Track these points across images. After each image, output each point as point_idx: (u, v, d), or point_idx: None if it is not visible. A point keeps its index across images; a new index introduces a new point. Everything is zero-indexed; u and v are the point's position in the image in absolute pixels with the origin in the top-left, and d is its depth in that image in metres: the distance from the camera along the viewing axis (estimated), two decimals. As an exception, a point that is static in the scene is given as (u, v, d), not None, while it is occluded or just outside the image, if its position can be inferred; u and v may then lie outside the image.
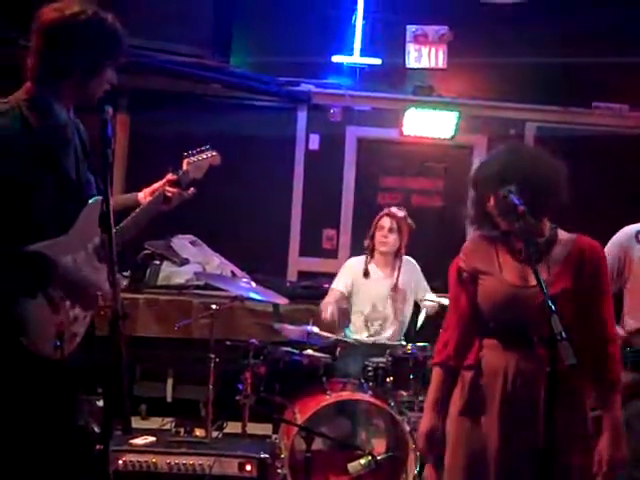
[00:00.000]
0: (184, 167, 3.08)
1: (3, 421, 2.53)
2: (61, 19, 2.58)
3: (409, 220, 5.23)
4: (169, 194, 2.96)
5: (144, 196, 2.98)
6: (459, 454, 2.71)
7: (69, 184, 2.65)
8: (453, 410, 2.75)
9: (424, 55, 6.90)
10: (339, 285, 5.22)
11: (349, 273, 5.24)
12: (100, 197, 2.65)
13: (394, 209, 5.26)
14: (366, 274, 5.20)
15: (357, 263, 5.28)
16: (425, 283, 5.36)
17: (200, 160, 3.14)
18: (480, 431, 2.67)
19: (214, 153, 3.21)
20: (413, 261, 5.35)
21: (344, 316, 5.24)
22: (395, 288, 5.15)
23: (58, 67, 2.60)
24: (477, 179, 2.79)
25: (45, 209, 2.57)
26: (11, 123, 2.53)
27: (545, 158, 2.73)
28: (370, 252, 5.26)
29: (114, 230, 2.46)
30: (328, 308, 5.04)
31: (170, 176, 3.01)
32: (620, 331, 3.22)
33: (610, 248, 3.40)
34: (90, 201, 2.69)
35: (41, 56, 2.61)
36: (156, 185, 2.99)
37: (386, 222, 5.19)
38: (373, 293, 5.17)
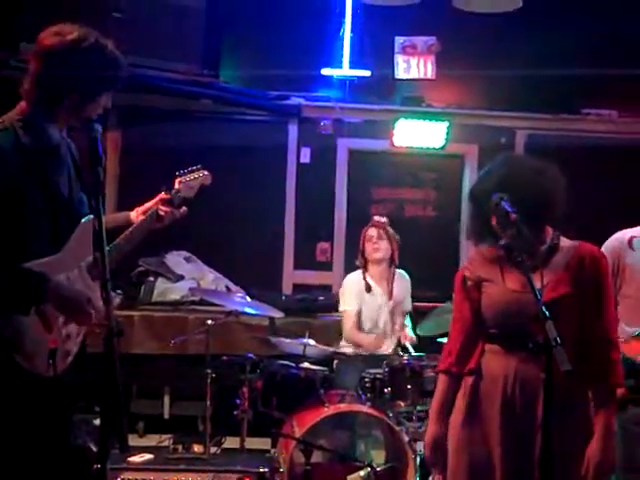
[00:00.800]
0: (176, 186, 3.11)
1: None
2: (62, 44, 2.60)
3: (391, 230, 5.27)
4: (162, 213, 2.99)
5: (136, 215, 3.01)
6: (462, 460, 2.72)
7: (62, 203, 2.67)
8: (455, 416, 2.77)
9: (413, 66, 6.92)
10: (351, 305, 5.18)
11: (354, 290, 5.22)
12: (92, 216, 2.65)
13: (377, 218, 5.34)
14: (368, 289, 5.19)
15: (357, 279, 5.27)
16: (409, 300, 5.37)
17: (192, 180, 3.18)
18: (481, 436, 2.68)
19: (206, 173, 3.24)
20: (406, 276, 5.37)
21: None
22: (392, 301, 5.18)
23: (55, 91, 2.62)
24: (475, 192, 2.80)
25: (38, 228, 2.58)
26: (4, 142, 2.55)
27: (542, 168, 2.74)
28: (364, 267, 5.25)
29: (107, 248, 2.48)
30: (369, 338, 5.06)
31: (163, 195, 3.04)
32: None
33: (606, 250, 3.41)
34: (83, 220, 2.70)
35: (38, 79, 2.63)
36: (149, 204, 3.02)
37: (373, 232, 5.24)
38: (375, 307, 5.18)
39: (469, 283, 2.81)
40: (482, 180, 2.81)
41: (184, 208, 3.09)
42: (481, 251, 2.86)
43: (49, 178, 2.64)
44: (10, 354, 2.50)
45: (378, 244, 5.20)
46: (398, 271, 5.29)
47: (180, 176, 3.15)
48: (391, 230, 5.26)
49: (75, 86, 2.61)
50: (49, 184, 2.63)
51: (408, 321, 5.34)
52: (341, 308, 5.27)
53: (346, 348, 5.13)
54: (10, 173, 2.53)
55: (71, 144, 2.81)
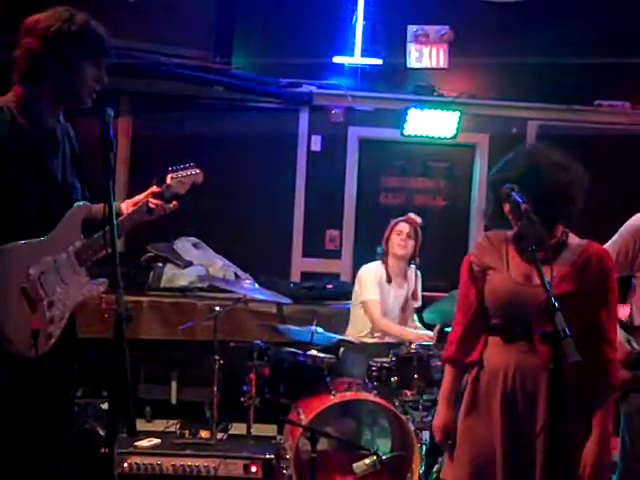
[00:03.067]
0: (167, 181, 3.14)
1: None
2: (54, 27, 2.63)
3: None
4: (152, 205, 3.02)
5: (126, 207, 3.03)
6: (463, 451, 2.74)
7: (55, 187, 2.71)
8: (462, 407, 2.78)
9: (425, 55, 6.89)
10: (375, 294, 5.11)
11: (375, 280, 5.16)
12: (84, 202, 2.78)
13: (413, 215, 5.23)
14: (389, 280, 5.17)
15: (377, 269, 5.21)
16: (419, 298, 5.34)
17: (183, 176, 3.20)
18: (483, 428, 2.70)
19: (198, 171, 3.27)
20: (419, 273, 5.34)
21: None
22: (404, 297, 5.17)
23: (38, 66, 2.64)
24: (496, 181, 2.78)
25: (30, 209, 2.63)
26: (0, 125, 2.58)
27: (567, 165, 2.72)
28: (384, 257, 5.22)
29: (95, 236, 2.65)
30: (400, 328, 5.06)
31: (154, 188, 3.07)
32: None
33: (627, 229, 3.40)
34: (75, 205, 2.74)
35: (27, 57, 2.66)
36: (139, 196, 3.05)
37: (405, 227, 5.17)
38: (390, 300, 5.17)
39: (475, 269, 2.81)
40: (503, 169, 2.79)
41: (174, 203, 3.11)
42: (489, 237, 2.86)
43: (43, 160, 2.67)
44: None
45: (406, 242, 5.15)
46: (413, 267, 5.27)
47: (172, 172, 3.18)
48: (420, 231, 5.22)
49: (52, 58, 2.63)
50: (42, 166, 2.67)
51: (416, 319, 5.30)
52: (364, 298, 5.15)
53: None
54: (4, 153, 2.56)
55: (69, 129, 2.84)
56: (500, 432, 2.65)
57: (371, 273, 5.22)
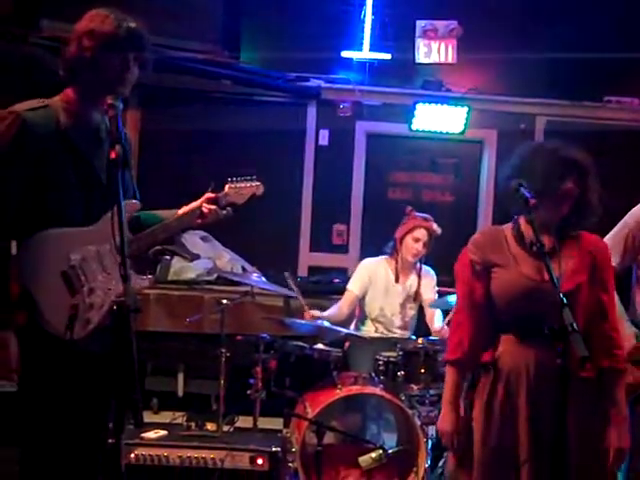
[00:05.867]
0: (225, 190, 3.14)
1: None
2: (103, 30, 2.70)
3: None
4: (205, 210, 3.02)
5: (181, 212, 3.04)
6: (484, 456, 2.69)
7: (98, 185, 2.75)
8: (477, 409, 2.73)
9: (434, 50, 6.88)
10: (355, 289, 5.11)
11: (366, 275, 5.15)
12: (134, 200, 2.86)
13: (435, 226, 5.13)
14: (397, 279, 5.12)
15: (373, 267, 5.18)
16: (431, 295, 5.23)
17: (242, 187, 3.20)
18: (506, 431, 2.65)
19: (258, 183, 3.26)
20: (431, 272, 5.27)
21: None
22: (408, 293, 5.15)
23: (75, 67, 2.72)
24: (519, 171, 2.75)
25: (68, 200, 2.69)
26: (40, 119, 2.65)
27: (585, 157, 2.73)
28: (394, 253, 5.16)
29: (146, 232, 2.77)
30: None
31: (209, 194, 3.07)
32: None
33: (631, 216, 3.41)
34: (124, 202, 2.77)
35: (66, 60, 2.74)
36: (195, 203, 3.05)
37: (423, 235, 5.07)
38: (390, 295, 5.15)
39: (477, 267, 2.76)
40: (522, 168, 2.73)
41: (229, 210, 3.12)
42: (486, 233, 2.84)
43: (84, 158, 2.72)
44: (30, 311, 2.59)
45: (420, 250, 5.06)
46: (425, 268, 5.22)
47: (231, 182, 3.18)
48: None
49: (106, 65, 2.70)
50: (83, 163, 2.72)
51: (439, 315, 5.19)
52: (347, 286, 5.20)
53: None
54: (41, 148, 2.62)
55: (124, 134, 2.86)
56: (526, 431, 2.61)
57: (367, 267, 5.19)
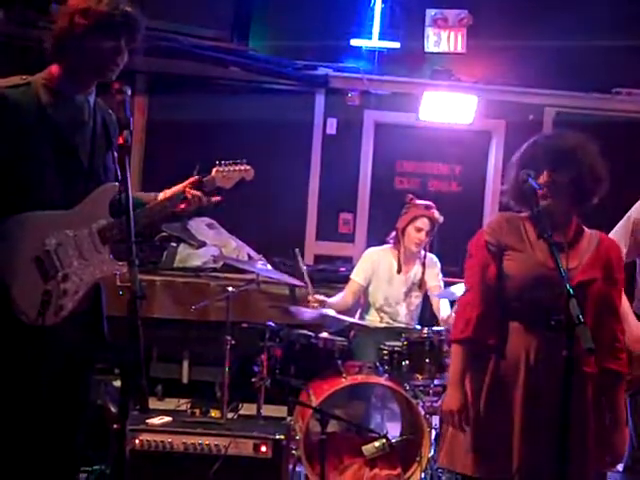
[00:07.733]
0: (212, 174, 3.05)
1: None
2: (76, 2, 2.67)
3: None
4: (188, 195, 2.92)
5: (163, 196, 2.96)
6: (483, 441, 2.69)
7: (77, 164, 2.70)
8: (478, 392, 2.72)
9: (443, 39, 6.86)
10: (359, 278, 5.09)
11: (369, 264, 5.11)
12: (116, 183, 2.70)
13: (437, 214, 5.07)
14: (399, 269, 5.08)
15: (377, 257, 5.13)
16: (436, 283, 5.18)
17: (230, 171, 3.11)
18: (505, 414, 2.65)
19: (247, 167, 3.17)
20: (435, 259, 5.23)
21: None
22: (413, 281, 5.12)
23: (63, 45, 2.67)
24: (524, 159, 2.75)
25: (45, 181, 2.63)
26: (21, 96, 2.60)
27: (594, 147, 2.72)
28: (396, 243, 5.13)
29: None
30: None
31: (193, 178, 2.98)
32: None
33: (637, 209, 3.39)
34: (105, 184, 2.73)
35: (55, 36, 2.68)
36: (177, 187, 2.95)
37: (425, 225, 5.02)
38: (395, 283, 5.13)
39: (492, 248, 2.74)
40: (535, 157, 2.72)
41: (217, 197, 3.03)
42: (506, 217, 2.80)
43: (63, 136, 2.67)
44: (2, 294, 2.56)
45: (422, 240, 5.02)
46: (429, 255, 5.19)
47: (219, 165, 3.09)
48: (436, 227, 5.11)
49: (78, 38, 2.64)
50: (63, 142, 2.66)
51: (446, 304, 5.15)
52: (351, 276, 5.18)
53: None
54: (20, 125, 2.57)
55: (108, 114, 2.82)
56: (520, 419, 2.61)
57: (370, 257, 5.15)
